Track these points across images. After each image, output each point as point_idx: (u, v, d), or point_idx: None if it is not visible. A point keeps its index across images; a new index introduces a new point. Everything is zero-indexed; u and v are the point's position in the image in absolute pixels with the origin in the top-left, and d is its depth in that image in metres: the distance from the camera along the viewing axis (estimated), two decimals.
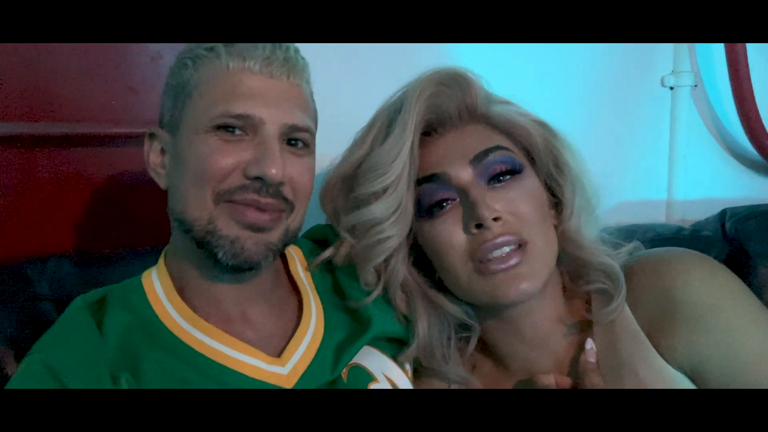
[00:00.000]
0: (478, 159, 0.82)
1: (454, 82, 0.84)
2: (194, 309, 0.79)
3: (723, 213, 1.33)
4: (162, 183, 0.80)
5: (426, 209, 0.83)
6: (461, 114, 0.86)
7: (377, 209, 0.82)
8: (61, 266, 0.95)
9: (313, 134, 0.80)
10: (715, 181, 1.56)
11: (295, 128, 0.76)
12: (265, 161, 0.73)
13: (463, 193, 0.81)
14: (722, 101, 1.52)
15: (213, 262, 0.75)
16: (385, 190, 0.81)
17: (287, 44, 0.79)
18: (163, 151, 0.80)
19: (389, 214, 0.82)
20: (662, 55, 1.51)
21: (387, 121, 0.85)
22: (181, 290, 0.80)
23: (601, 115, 1.44)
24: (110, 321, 0.76)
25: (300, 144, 0.78)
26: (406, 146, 0.81)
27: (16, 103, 1.02)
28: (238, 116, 0.74)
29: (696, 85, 1.52)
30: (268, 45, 0.76)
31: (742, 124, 1.47)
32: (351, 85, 1.17)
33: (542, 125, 0.88)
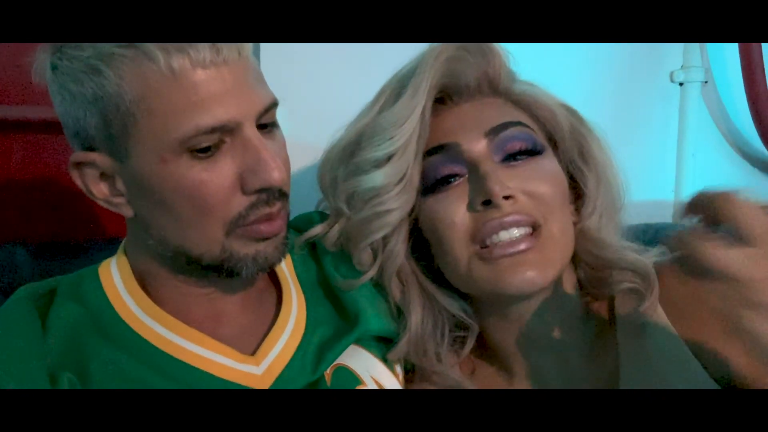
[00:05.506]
0: (494, 132, 0.73)
1: (477, 48, 0.75)
2: (156, 300, 0.70)
3: None
4: (126, 212, 0.68)
5: (430, 184, 0.74)
6: (481, 84, 0.77)
7: (380, 177, 0.72)
8: (13, 255, 0.86)
9: (276, 103, 0.69)
10: (725, 181, 1.49)
11: (266, 110, 0.66)
12: (262, 168, 0.64)
13: (473, 166, 0.72)
14: (733, 98, 1.46)
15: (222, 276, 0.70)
16: (390, 157, 0.72)
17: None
18: (103, 175, 0.67)
19: (393, 184, 0.72)
20: (672, 49, 1.46)
21: (398, 86, 0.76)
22: (143, 280, 0.71)
23: (607, 111, 1.35)
24: (57, 314, 0.67)
25: (270, 123, 0.68)
26: (418, 109, 0.72)
27: None
28: (212, 130, 0.62)
29: (706, 81, 1.47)
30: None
31: (755, 123, 1.40)
32: (344, 75, 1.08)
33: (569, 109, 0.79)
